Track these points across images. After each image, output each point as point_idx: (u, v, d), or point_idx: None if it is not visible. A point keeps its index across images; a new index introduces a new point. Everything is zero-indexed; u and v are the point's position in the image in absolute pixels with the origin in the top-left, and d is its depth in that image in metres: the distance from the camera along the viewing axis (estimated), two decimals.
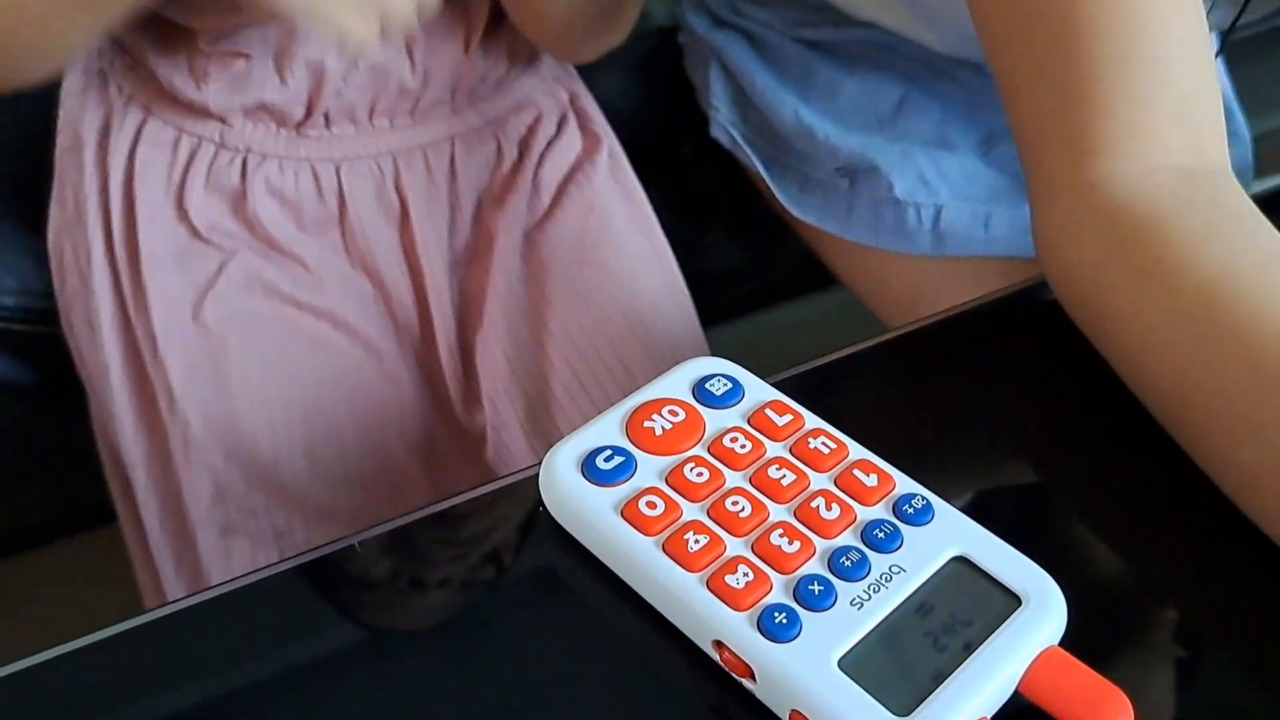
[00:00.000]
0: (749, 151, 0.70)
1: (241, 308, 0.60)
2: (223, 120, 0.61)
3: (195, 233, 0.60)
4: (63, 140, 0.64)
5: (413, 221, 0.63)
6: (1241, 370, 0.36)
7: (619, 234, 0.64)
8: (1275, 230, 0.39)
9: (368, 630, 0.36)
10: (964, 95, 0.67)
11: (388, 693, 0.33)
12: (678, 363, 0.40)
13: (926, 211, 0.64)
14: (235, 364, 0.59)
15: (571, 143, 0.67)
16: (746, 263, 0.90)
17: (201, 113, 0.60)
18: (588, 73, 0.76)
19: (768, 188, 0.71)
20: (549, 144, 0.66)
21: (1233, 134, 0.71)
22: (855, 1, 0.65)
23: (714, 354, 0.63)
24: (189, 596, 0.36)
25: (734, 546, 0.33)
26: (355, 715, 0.32)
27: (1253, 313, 0.36)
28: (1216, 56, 0.61)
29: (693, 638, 0.33)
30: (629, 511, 0.34)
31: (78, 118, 0.63)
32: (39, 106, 0.68)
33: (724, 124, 0.71)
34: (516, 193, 0.65)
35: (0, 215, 0.70)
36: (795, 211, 0.69)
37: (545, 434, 0.59)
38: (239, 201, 0.61)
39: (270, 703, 0.33)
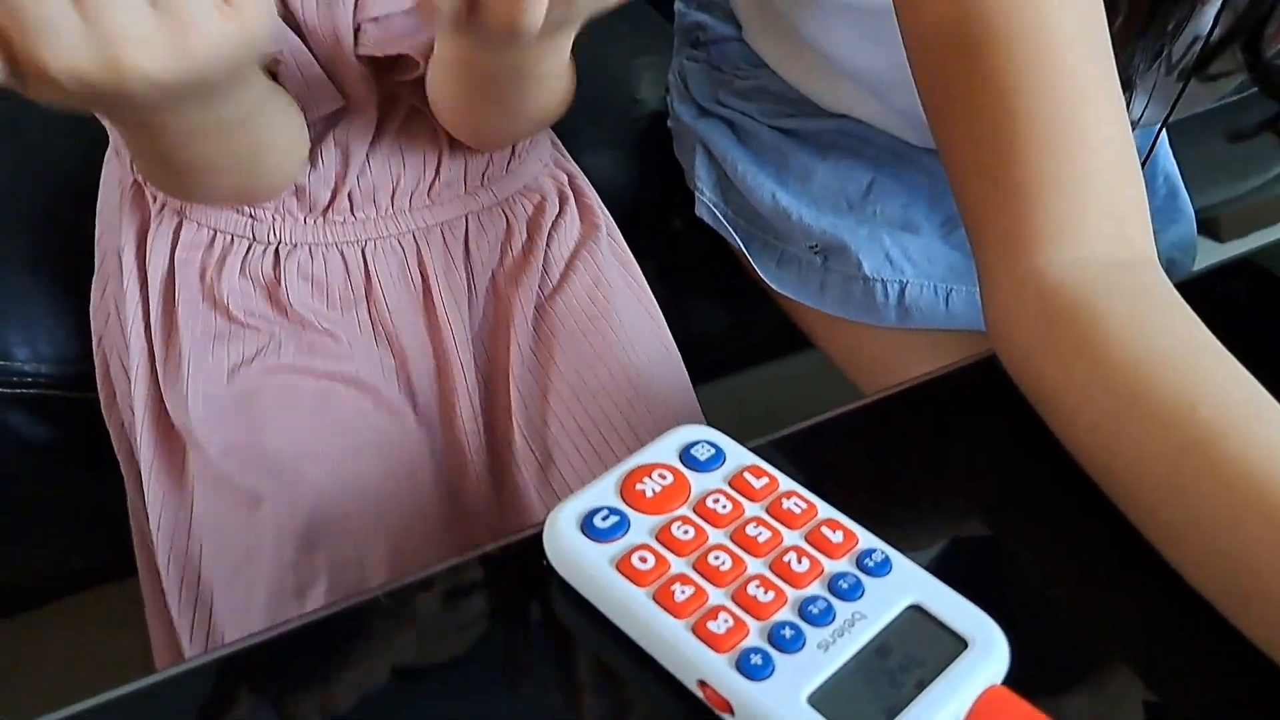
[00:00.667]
0: (731, 230, 0.75)
1: (276, 380, 0.64)
2: (251, 216, 0.65)
3: (232, 318, 0.65)
4: (101, 248, 0.69)
5: (434, 298, 0.68)
6: (1159, 439, 0.41)
7: (621, 305, 0.69)
8: (1193, 316, 0.44)
9: (391, 674, 0.40)
10: (928, 181, 0.72)
11: None
12: (674, 421, 0.44)
13: (892, 288, 0.69)
14: (270, 426, 0.62)
15: (573, 221, 0.72)
16: (731, 326, 0.95)
17: (233, 209, 0.65)
18: (589, 151, 0.82)
19: (749, 261, 0.76)
20: (554, 223, 0.72)
21: (1178, 211, 0.77)
22: (834, 95, 0.71)
23: (703, 410, 0.68)
24: (210, 651, 0.40)
25: (716, 596, 0.38)
26: None
27: (1169, 389, 0.41)
28: (1151, 147, 0.67)
29: (679, 677, 0.37)
30: (623, 565, 0.38)
31: (115, 226, 0.67)
32: (74, 184, 0.73)
33: (708, 204, 0.76)
34: (530, 271, 0.69)
35: (37, 286, 0.74)
36: (773, 285, 0.75)
37: (558, 493, 0.63)
38: (274, 289, 0.66)
39: None
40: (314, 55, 0.61)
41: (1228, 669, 0.39)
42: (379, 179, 0.66)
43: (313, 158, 0.64)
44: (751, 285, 0.80)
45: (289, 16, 0.59)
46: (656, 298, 0.75)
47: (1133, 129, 0.62)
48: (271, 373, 0.64)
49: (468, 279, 0.70)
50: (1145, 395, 0.41)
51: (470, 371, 0.68)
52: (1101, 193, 0.45)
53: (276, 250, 0.66)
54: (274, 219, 0.66)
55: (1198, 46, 0.59)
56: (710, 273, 0.88)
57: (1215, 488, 0.39)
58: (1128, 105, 0.51)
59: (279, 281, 0.66)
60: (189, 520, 0.64)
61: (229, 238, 0.66)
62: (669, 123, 0.83)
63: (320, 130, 0.64)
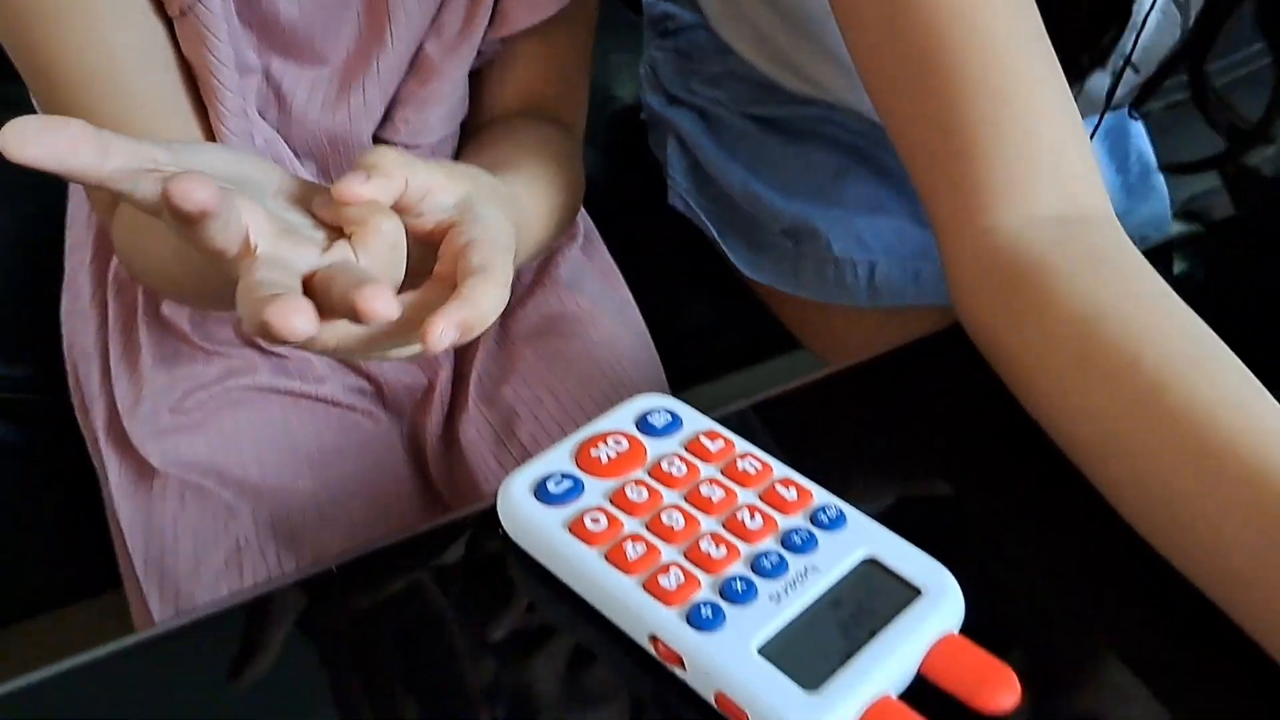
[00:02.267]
0: (704, 218, 0.75)
1: (249, 394, 0.64)
2: None
3: (198, 347, 0.64)
4: (72, 263, 0.68)
5: None
6: (1105, 393, 0.40)
7: (593, 311, 0.69)
8: (1144, 268, 0.44)
9: (351, 640, 0.39)
10: (897, 166, 0.72)
11: (363, 691, 0.37)
12: None
13: (862, 269, 0.69)
14: (246, 435, 0.62)
15: None
16: (715, 321, 0.94)
17: None
18: None
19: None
20: None
21: (1151, 190, 0.77)
22: (799, 79, 0.71)
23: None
24: (174, 619, 0.40)
25: (668, 553, 0.37)
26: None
27: (1114, 343, 0.41)
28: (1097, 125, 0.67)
29: (631, 634, 0.36)
30: (576, 527, 0.38)
31: (83, 242, 0.67)
32: (48, 192, 0.73)
33: (681, 193, 0.76)
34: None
35: (8, 289, 0.75)
36: (748, 272, 0.75)
37: None
38: (238, 324, 0.65)
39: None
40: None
41: (1178, 614, 0.39)
42: None
43: None
44: (734, 278, 0.80)
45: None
46: (638, 294, 0.75)
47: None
48: (245, 389, 0.64)
49: None
50: (1091, 351, 0.41)
51: (448, 379, 0.68)
52: (1044, 152, 0.46)
53: None
54: None
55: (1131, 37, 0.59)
56: (693, 267, 0.88)
57: (1157, 441, 0.39)
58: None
59: None
60: (162, 532, 0.63)
61: None
62: (642, 114, 0.83)
63: None
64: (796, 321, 0.77)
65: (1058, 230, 0.45)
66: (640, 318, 0.73)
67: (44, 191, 0.72)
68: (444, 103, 0.62)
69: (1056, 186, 0.45)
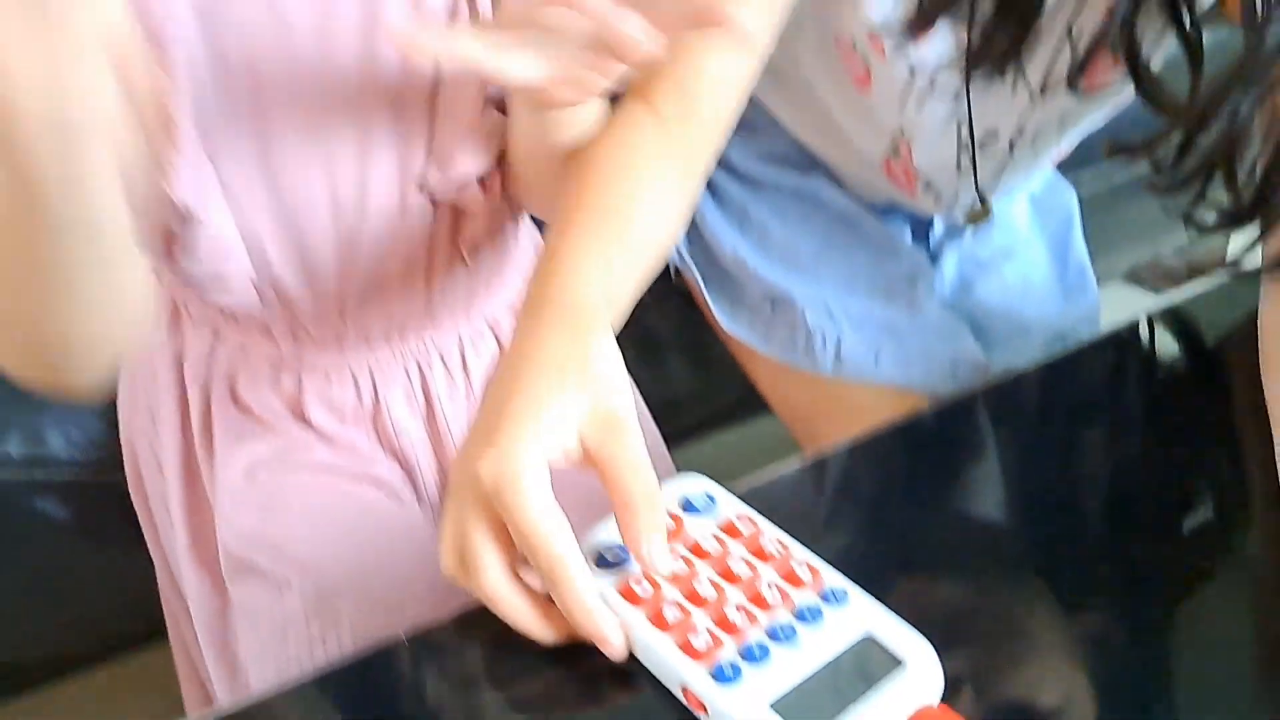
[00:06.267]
0: (693, 269, 0.84)
1: (301, 477, 0.70)
2: (278, 344, 0.70)
3: (259, 420, 0.71)
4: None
5: (438, 417, 0.74)
6: None
7: None
8: None
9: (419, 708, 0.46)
10: (869, 249, 0.82)
11: None
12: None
13: (830, 339, 0.78)
14: (297, 518, 0.68)
15: None
16: (700, 388, 1.02)
17: (261, 333, 0.70)
18: None
19: (711, 312, 0.84)
20: None
21: (1085, 288, 0.87)
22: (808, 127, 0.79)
23: (677, 468, 0.75)
24: (237, 701, 0.46)
25: (699, 618, 0.45)
26: None
27: None
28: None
29: (665, 683, 0.44)
30: (626, 591, 0.46)
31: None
32: None
33: (675, 246, 0.85)
34: None
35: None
36: (726, 326, 0.83)
37: None
38: (295, 404, 0.71)
39: None
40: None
41: (1147, 690, 0.46)
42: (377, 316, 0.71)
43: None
44: (719, 349, 0.87)
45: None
46: (631, 365, 0.81)
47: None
48: (297, 470, 0.71)
49: (466, 395, 0.75)
50: None
51: None
52: None
53: (300, 377, 0.71)
54: (296, 347, 0.70)
55: (1066, 53, 0.61)
56: (681, 339, 0.96)
57: None
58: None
59: (301, 401, 0.71)
60: (224, 604, 0.70)
61: (259, 363, 0.70)
62: None
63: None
64: (766, 383, 0.85)
65: None
66: (630, 383, 0.80)
67: None
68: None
69: None
